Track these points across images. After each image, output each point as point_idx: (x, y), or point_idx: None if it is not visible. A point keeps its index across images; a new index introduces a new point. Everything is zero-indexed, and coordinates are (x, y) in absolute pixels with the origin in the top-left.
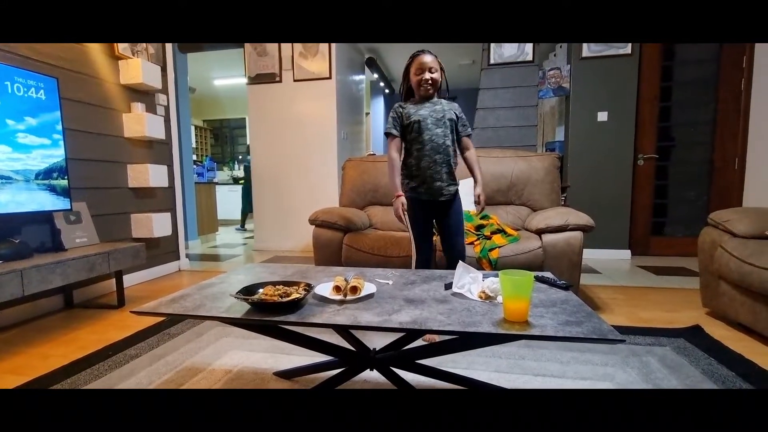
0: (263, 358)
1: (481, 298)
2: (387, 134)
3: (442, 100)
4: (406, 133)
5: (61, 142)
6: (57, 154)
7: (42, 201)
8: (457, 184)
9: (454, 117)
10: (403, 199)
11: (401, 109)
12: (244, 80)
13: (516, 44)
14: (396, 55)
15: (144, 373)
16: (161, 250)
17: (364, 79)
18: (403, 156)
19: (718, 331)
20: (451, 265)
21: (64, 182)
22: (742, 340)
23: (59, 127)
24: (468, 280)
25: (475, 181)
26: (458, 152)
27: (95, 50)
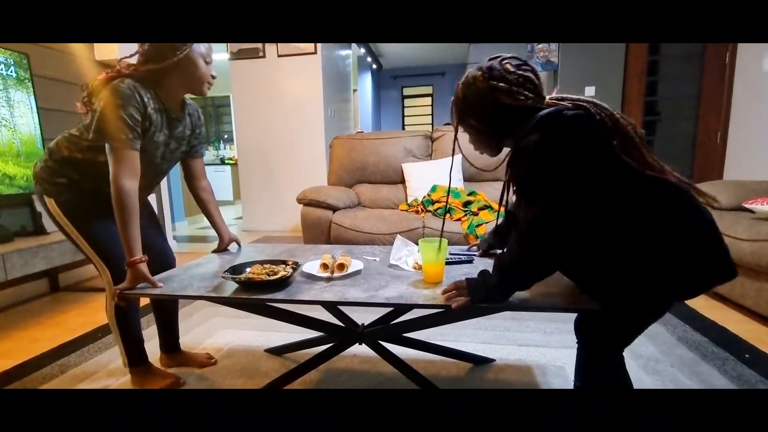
0: (254, 336)
1: (414, 269)
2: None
3: None
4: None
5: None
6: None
7: (19, 183)
8: None
9: None
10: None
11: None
12: (227, 56)
13: None
14: None
15: None
16: None
17: (350, 54)
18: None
19: (695, 301)
20: None
21: None
22: (717, 308)
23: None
24: (405, 253)
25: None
26: None
27: None
